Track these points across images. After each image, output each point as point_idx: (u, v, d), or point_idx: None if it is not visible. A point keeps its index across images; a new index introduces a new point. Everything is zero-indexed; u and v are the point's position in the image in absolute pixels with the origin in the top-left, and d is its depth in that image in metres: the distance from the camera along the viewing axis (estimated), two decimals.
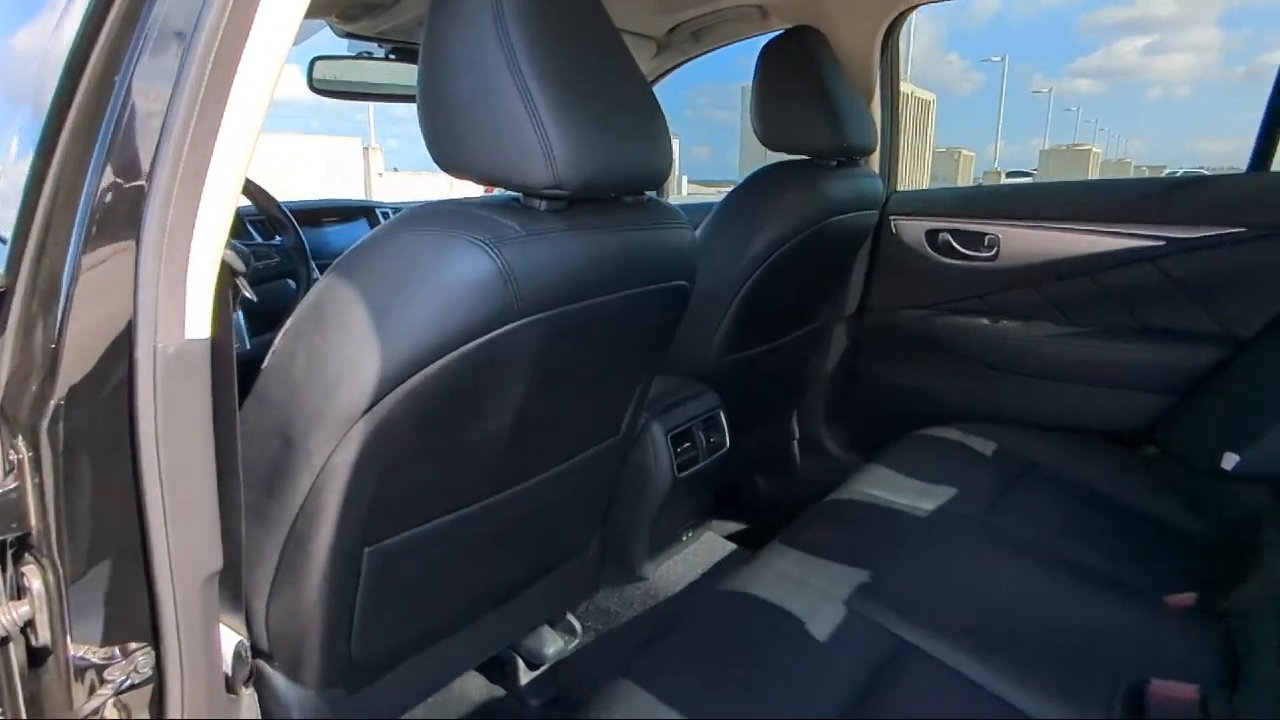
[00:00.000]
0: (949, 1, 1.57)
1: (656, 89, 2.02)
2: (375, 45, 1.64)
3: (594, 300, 0.78)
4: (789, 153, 1.43)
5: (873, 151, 1.56)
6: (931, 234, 1.71)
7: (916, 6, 1.59)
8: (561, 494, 1.02)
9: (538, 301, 0.71)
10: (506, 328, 0.69)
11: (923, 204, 1.75)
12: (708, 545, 1.40)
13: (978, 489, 1.22)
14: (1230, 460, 1.29)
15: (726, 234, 1.36)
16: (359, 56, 1.67)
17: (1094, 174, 19.79)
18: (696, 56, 1.93)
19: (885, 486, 1.23)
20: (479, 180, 0.74)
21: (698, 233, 1.38)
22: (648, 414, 1.21)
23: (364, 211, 1.97)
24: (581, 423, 0.98)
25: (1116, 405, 1.54)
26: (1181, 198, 1.48)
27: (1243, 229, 1.40)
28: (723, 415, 1.35)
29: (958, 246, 1.68)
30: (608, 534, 1.28)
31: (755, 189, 1.39)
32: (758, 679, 0.79)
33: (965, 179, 17.98)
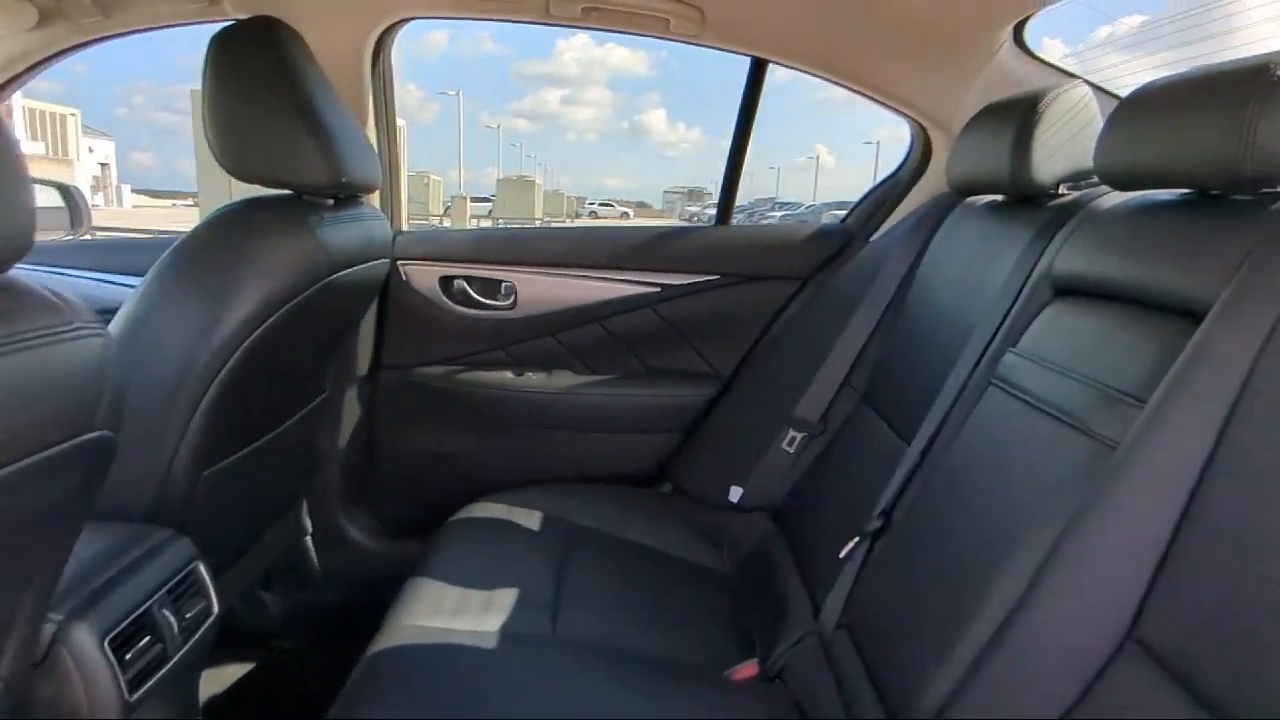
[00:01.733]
0: (421, 20, 1.40)
1: (58, 77, 1.39)
2: None
3: None
4: (268, 186, 1.06)
5: (378, 187, 1.28)
6: (446, 280, 1.53)
7: (411, 19, 1.37)
8: None
9: None
10: None
11: (434, 247, 1.56)
12: None
13: (536, 582, 1.11)
14: (735, 493, 1.42)
15: (185, 303, 0.91)
16: None
17: (539, 202, 22.52)
18: (111, 38, 1.37)
19: (440, 612, 1.01)
20: None
21: (134, 301, 0.92)
22: (60, 618, 0.71)
23: None
24: None
25: (635, 448, 1.59)
26: (667, 247, 1.60)
27: (716, 276, 1.57)
28: (203, 568, 0.91)
29: (475, 295, 1.54)
30: None
31: (224, 237, 0.96)
32: None
33: (437, 202, 18.71)
